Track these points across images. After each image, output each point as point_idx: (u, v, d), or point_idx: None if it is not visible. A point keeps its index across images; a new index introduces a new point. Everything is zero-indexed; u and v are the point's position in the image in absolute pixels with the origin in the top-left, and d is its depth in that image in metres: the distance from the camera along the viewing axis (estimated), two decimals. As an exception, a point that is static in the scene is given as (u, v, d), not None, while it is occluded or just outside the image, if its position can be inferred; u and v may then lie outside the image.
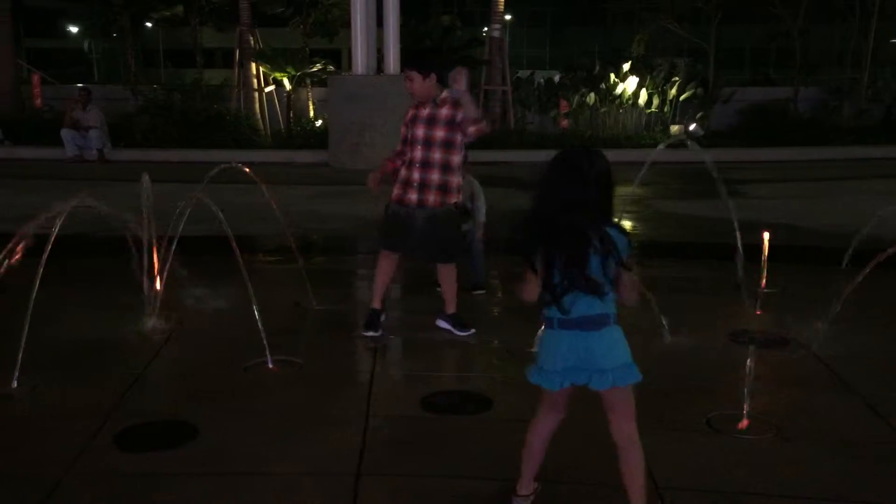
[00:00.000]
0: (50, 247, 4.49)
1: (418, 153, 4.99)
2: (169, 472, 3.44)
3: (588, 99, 17.15)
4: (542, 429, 3.10)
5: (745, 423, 3.85)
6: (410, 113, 5.08)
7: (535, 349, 4.81)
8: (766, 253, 6.13)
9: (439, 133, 4.95)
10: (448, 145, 4.97)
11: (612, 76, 17.24)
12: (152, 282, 5.76)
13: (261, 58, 16.62)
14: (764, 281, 6.05)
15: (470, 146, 5.33)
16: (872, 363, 4.75)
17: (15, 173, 13.06)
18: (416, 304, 5.94)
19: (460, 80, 4.88)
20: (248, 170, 5.78)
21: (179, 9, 18.60)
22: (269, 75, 16.87)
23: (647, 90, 17.18)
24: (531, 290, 2.89)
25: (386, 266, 5.23)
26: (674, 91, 17.35)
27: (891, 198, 10.09)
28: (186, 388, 4.37)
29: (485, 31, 18.46)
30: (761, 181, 12.48)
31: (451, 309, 5.27)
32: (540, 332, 3.07)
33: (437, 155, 4.96)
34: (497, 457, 3.59)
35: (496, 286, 6.59)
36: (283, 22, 18.52)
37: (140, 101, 16.58)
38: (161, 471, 3.45)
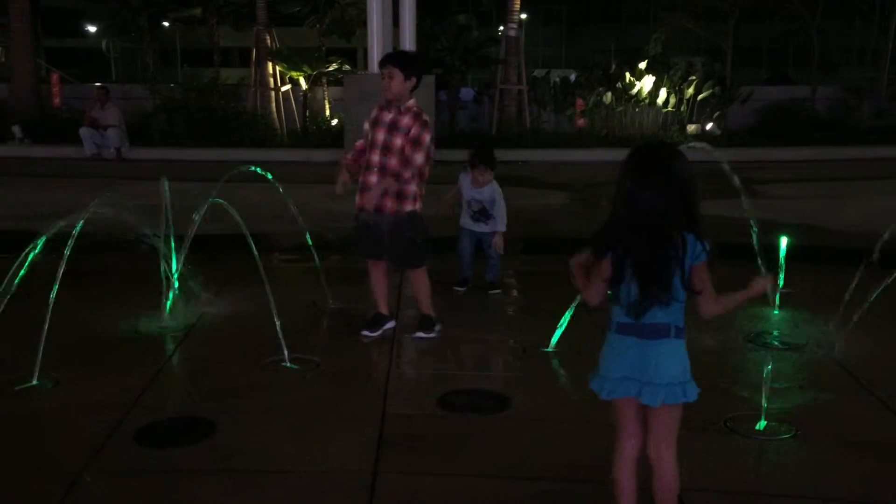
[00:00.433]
0: (71, 244, 4.53)
1: (376, 157, 4.88)
2: (187, 468, 3.46)
3: (604, 98, 17.09)
4: (624, 462, 2.82)
5: (763, 423, 3.83)
6: (374, 113, 4.99)
7: (551, 348, 4.85)
8: (784, 253, 6.09)
9: (398, 140, 4.84)
10: (405, 153, 4.85)
11: (628, 75, 17.18)
12: (171, 280, 5.81)
13: (277, 57, 16.67)
14: (782, 281, 6.01)
15: (484, 145, 5.38)
16: (891, 364, 4.71)
17: (34, 171, 13.18)
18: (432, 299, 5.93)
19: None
20: (268, 174, 5.78)
21: (197, 10, 18.69)
22: (286, 74, 16.93)
23: (664, 89, 17.10)
24: (595, 292, 2.74)
25: (375, 273, 5.19)
26: (691, 90, 17.26)
27: (911, 198, 10.01)
28: (204, 385, 4.40)
29: (500, 31, 18.42)
30: (779, 181, 12.39)
31: (426, 310, 5.17)
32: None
33: (393, 161, 4.83)
34: (514, 456, 3.60)
35: (511, 285, 6.59)
36: (299, 21, 18.59)
37: (157, 100, 16.68)
38: (179, 467, 3.47)
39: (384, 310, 5.21)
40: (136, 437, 3.71)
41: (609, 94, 17.10)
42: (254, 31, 17.07)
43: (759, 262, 5.41)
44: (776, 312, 5.75)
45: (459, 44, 17.15)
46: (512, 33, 17.00)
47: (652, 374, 2.66)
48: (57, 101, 17.38)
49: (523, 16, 18.88)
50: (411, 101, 4.89)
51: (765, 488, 3.35)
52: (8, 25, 17.28)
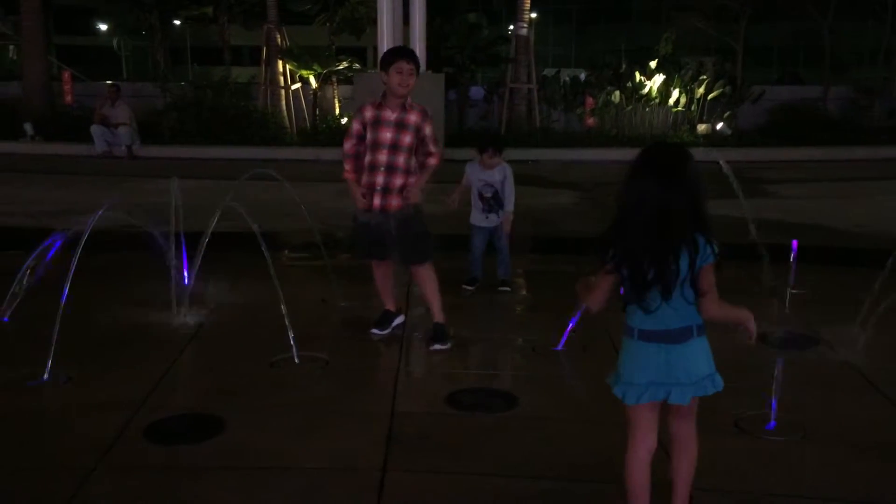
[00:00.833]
0: (83, 242, 4.55)
1: (384, 157, 4.78)
2: (197, 465, 3.48)
3: (614, 97, 17.06)
4: (638, 459, 2.87)
5: (772, 424, 3.82)
6: (371, 113, 4.80)
7: (560, 347, 4.85)
8: (795, 253, 6.07)
9: (407, 138, 4.79)
10: (412, 150, 4.84)
11: (638, 74, 17.14)
12: (181, 277, 5.83)
13: (288, 55, 16.71)
14: (792, 281, 5.99)
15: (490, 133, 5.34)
16: (903, 366, 4.69)
17: (45, 169, 13.24)
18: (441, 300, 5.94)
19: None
20: (278, 176, 5.79)
21: (209, 9, 18.76)
22: (296, 73, 16.96)
23: (674, 89, 17.06)
24: (599, 297, 2.77)
25: (380, 273, 5.17)
26: (701, 90, 17.21)
27: (922, 198, 9.96)
28: (214, 383, 4.41)
29: (510, 29, 18.41)
30: (790, 181, 12.34)
31: (438, 317, 5.06)
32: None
33: (401, 160, 4.80)
34: (522, 454, 3.60)
35: (521, 284, 6.59)
36: (309, 20, 18.63)
37: (168, 98, 16.75)
38: (189, 463, 3.49)
39: (391, 306, 5.22)
40: (146, 433, 3.73)
41: (619, 94, 17.07)
42: (264, 30, 17.12)
43: (766, 260, 5.41)
44: (786, 313, 5.73)
45: (469, 42, 17.16)
46: (522, 32, 16.99)
47: (680, 375, 2.73)
48: (68, 98, 17.46)
49: (533, 15, 18.85)
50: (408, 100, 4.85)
51: (773, 488, 3.34)
52: (20, 23, 17.37)
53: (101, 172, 12.95)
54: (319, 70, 16.61)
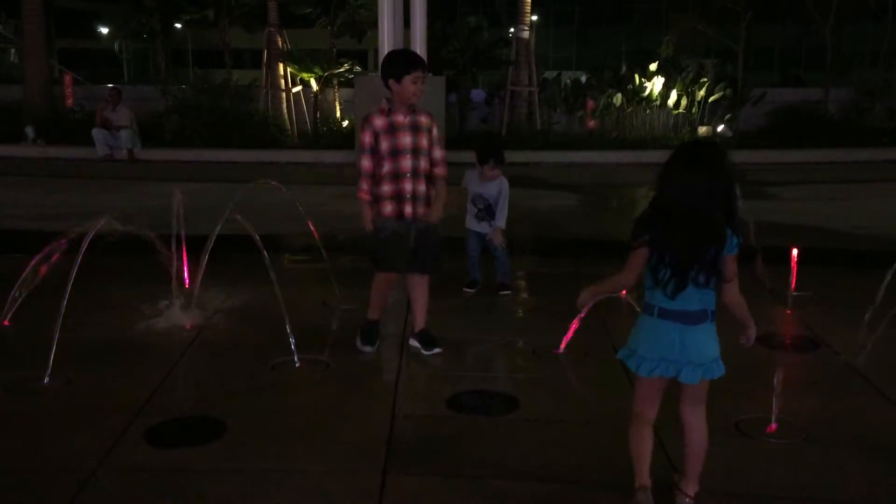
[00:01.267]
0: (83, 246, 4.56)
1: (408, 163, 4.60)
2: (198, 468, 3.48)
3: (615, 100, 17.07)
4: (642, 439, 3.12)
5: (773, 426, 3.82)
6: (382, 121, 4.61)
7: (560, 350, 4.85)
8: (796, 255, 6.07)
9: (424, 141, 4.65)
10: (430, 154, 4.70)
11: (639, 77, 17.15)
12: (182, 280, 5.84)
13: (288, 58, 16.72)
14: (794, 283, 5.99)
15: (491, 142, 5.28)
16: (904, 368, 4.68)
17: (47, 172, 13.26)
18: (441, 304, 5.94)
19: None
20: (281, 187, 5.76)
21: (209, 12, 18.78)
22: (297, 76, 16.97)
23: (675, 91, 17.07)
24: (631, 274, 2.96)
25: (386, 287, 4.96)
26: (702, 92, 17.22)
27: (924, 200, 9.96)
28: (215, 385, 4.41)
29: (511, 32, 18.42)
30: (792, 183, 12.34)
31: (423, 324, 4.99)
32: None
33: (423, 164, 4.65)
34: (523, 457, 3.60)
35: (521, 286, 6.58)
36: (310, 23, 18.64)
37: (169, 101, 16.76)
38: (190, 466, 3.49)
39: (375, 315, 5.00)
40: (147, 436, 3.73)
41: (620, 96, 17.08)
42: (265, 33, 17.13)
43: (760, 263, 5.42)
44: (788, 314, 5.73)
45: (470, 45, 17.16)
46: (523, 35, 17.00)
47: (693, 355, 2.96)
48: (70, 101, 17.48)
49: (534, 17, 18.87)
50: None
51: (775, 491, 3.34)
52: (21, 27, 17.39)
53: (102, 176, 12.97)
54: (320, 73, 16.62)
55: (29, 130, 15.94)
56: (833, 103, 17.62)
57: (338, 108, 17.30)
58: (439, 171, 4.74)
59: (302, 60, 16.61)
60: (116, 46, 34.33)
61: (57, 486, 3.30)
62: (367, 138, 4.62)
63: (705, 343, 2.98)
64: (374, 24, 14.67)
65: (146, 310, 5.47)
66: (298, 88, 17.19)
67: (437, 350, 4.90)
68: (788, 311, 5.79)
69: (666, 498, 3.22)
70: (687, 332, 2.94)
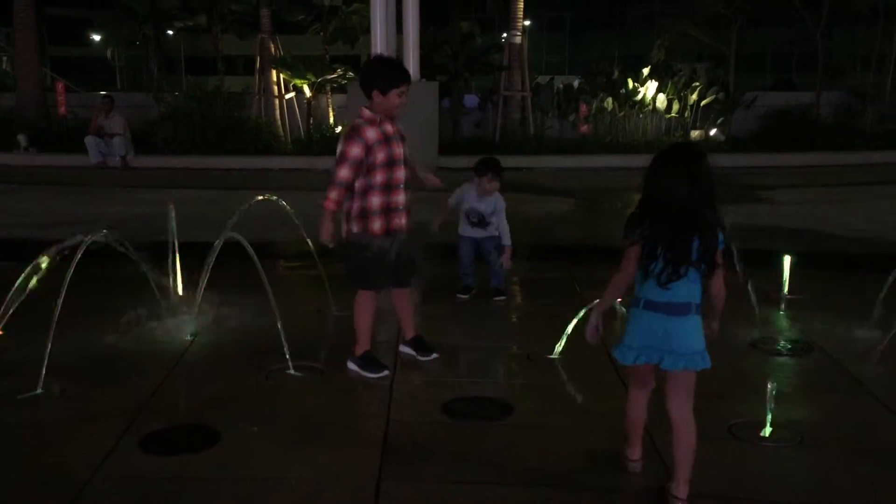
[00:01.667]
0: (77, 254, 4.55)
1: (401, 174, 4.50)
2: (192, 476, 3.47)
3: (607, 104, 17.12)
4: (637, 405, 3.37)
5: (767, 430, 3.82)
6: (375, 132, 4.42)
7: (555, 355, 4.86)
8: (789, 258, 6.09)
9: (406, 150, 4.61)
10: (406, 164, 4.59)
11: (632, 81, 17.21)
12: (176, 288, 5.83)
13: (281, 65, 16.73)
14: (787, 287, 6.01)
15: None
16: (897, 370, 4.70)
17: (40, 180, 13.23)
18: (435, 310, 5.95)
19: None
20: (282, 201, 5.74)
21: (202, 19, 18.78)
22: (290, 82, 16.98)
23: (667, 95, 17.13)
24: (629, 273, 3.13)
25: (372, 307, 4.72)
26: (694, 96, 17.29)
27: (915, 203, 10.00)
28: (209, 393, 4.40)
29: (504, 37, 18.47)
30: (784, 186, 12.39)
31: (414, 331, 4.97)
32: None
33: (408, 174, 4.60)
34: (518, 462, 3.60)
35: (515, 292, 6.59)
36: (303, 29, 18.66)
37: (162, 108, 16.75)
38: (185, 474, 3.48)
39: (369, 345, 4.78)
40: (141, 445, 3.72)
41: (612, 101, 17.13)
42: (258, 39, 17.15)
43: (738, 266, 5.44)
44: (781, 318, 5.75)
45: (463, 51, 17.20)
46: (515, 40, 17.05)
47: (675, 345, 3.09)
48: (62, 109, 17.45)
49: (527, 22, 18.92)
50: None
51: (769, 494, 3.34)
52: (13, 35, 17.37)
53: (95, 183, 12.94)
54: (313, 79, 16.63)
55: (21, 138, 15.92)
56: (825, 107, 17.71)
57: (331, 114, 17.31)
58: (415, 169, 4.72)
59: (295, 66, 16.62)
60: (109, 54, 34.26)
61: (52, 496, 3.29)
62: (355, 150, 4.37)
63: (689, 334, 3.09)
64: (367, 30, 14.72)
65: (140, 318, 5.46)
66: (291, 95, 17.19)
67: (434, 356, 4.90)
68: (782, 314, 5.80)
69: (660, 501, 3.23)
70: (671, 322, 3.08)
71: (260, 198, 5.85)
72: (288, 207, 5.86)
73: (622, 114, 17.25)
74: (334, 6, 17.67)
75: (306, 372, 4.65)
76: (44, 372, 4.30)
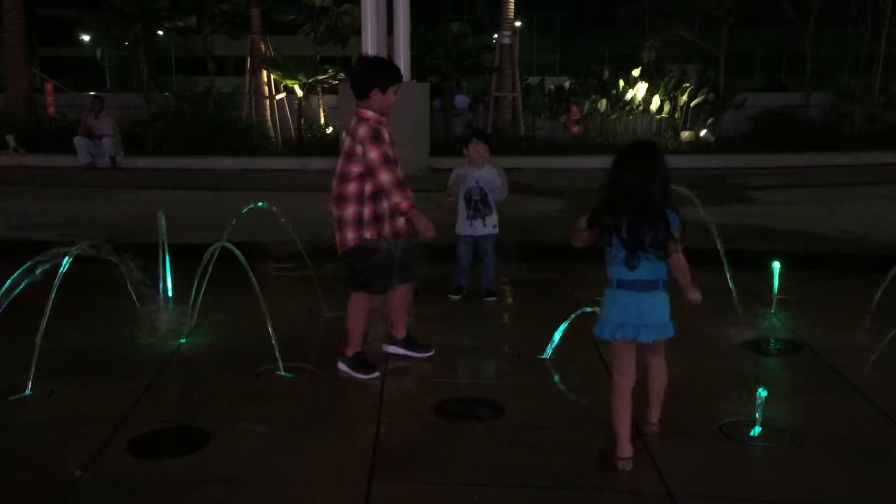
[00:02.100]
0: (66, 257, 4.52)
1: (401, 174, 4.49)
2: (182, 479, 3.45)
3: (598, 105, 17.14)
4: (623, 398, 3.57)
5: (757, 429, 3.83)
6: (387, 133, 4.50)
7: (546, 355, 4.86)
8: (779, 259, 6.11)
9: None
10: None
11: (622, 82, 17.24)
12: (165, 290, 5.80)
13: (272, 65, 16.69)
14: (777, 287, 6.02)
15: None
16: (888, 370, 4.72)
17: (28, 181, 13.15)
18: (426, 311, 5.94)
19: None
20: (274, 208, 5.69)
21: (192, 19, 18.71)
22: (280, 82, 16.93)
23: (657, 96, 17.17)
24: (585, 236, 3.52)
25: (368, 310, 4.72)
26: (685, 97, 17.33)
27: (904, 203, 10.05)
28: (199, 395, 4.39)
29: (495, 38, 18.48)
30: (773, 187, 12.43)
31: (404, 332, 4.98)
32: None
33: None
34: (509, 463, 3.60)
35: (506, 293, 6.59)
36: (293, 29, 18.61)
37: (152, 109, 16.68)
38: (174, 477, 3.46)
39: (360, 346, 4.77)
40: (129, 448, 3.70)
41: (603, 102, 17.15)
42: (248, 40, 17.09)
43: (725, 265, 5.48)
44: (771, 313, 5.77)
45: (454, 51, 17.18)
46: (506, 41, 17.06)
47: (647, 318, 3.46)
48: (51, 110, 17.35)
49: (518, 23, 18.95)
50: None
51: (760, 494, 3.35)
52: (1, 35, 17.27)
53: (84, 184, 12.87)
54: (304, 79, 16.59)
55: (10, 139, 15.82)
56: (814, 108, 17.78)
57: (322, 114, 17.28)
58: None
59: (286, 67, 16.57)
60: (98, 54, 34.10)
61: (39, 498, 3.27)
62: (386, 149, 4.38)
63: (657, 307, 3.49)
64: (358, 30, 14.68)
65: (128, 319, 5.43)
66: (282, 95, 17.15)
67: (431, 352, 4.91)
68: (771, 314, 5.82)
69: None
70: (642, 297, 3.45)
71: (252, 206, 5.81)
72: (275, 209, 5.82)
73: (613, 115, 17.28)
74: (325, 6, 17.63)
75: (297, 373, 4.63)
76: (32, 374, 4.28)
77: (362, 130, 4.39)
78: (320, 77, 16.76)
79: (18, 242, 8.11)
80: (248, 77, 17.01)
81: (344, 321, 4.73)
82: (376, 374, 4.63)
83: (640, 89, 17.09)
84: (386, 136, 4.46)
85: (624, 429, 3.54)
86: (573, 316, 4.89)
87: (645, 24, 23.87)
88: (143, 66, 19.34)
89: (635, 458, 3.53)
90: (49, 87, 18.22)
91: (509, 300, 6.47)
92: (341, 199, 4.46)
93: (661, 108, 17.32)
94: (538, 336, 5.04)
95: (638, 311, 3.44)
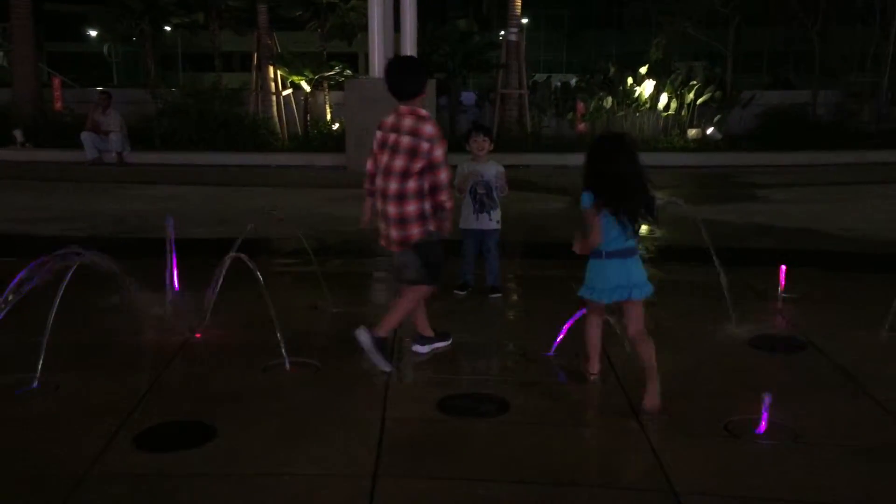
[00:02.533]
0: (73, 251, 4.54)
1: None
2: (188, 473, 3.47)
3: (605, 102, 17.11)
4: (595, 328, 4.41)
5: (763, 428, 3.83)
6: None
7: (550, 353, 4.87)
8: (785, 257, 6.10)
9: None
10: None
11: (629, 79, 17.21)
12: (171, 284, 5.82)
13: (279, 61, 16.71)
14: (783, 285, 6.02)
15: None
16: (891, 368, 4.71)
17: (35, 176, 13.21)
18: (432, 307, 5.94)
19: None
20: (280, 217, 5.70)
21: (200, 15, 18.74)
22: (287, 79, 16.95)
23: (664, 94, 17.14)
24: (597, 233, 4.04)
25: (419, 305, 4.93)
26: (691, 95, 17.29)
27: (911, 202, 10.02)
28: (205, 389, 4.40)
29: (501, 35, 18.46)
30: (780, 185, 12.41)
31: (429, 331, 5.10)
32: None
33: None
34: (513, 459, 3.60)
35: (512, 289, 6.60)
36: (300, 26, 18.62)
37: (159, 105, 16.72)
38: (180, 471, 3.48)
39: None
40: (136, 441, 3.72)
41: (610, 99, 17.13)
42: (255, 36, 17.11)
43: (716, 262, 5.48)
44: (777, 317, 5.76)
45: (460, 48, 17.18)
46: (513, 38, 17.04)
47: (634, 279, 4.11)
48: (59, 105, 17.41)
49: (524, 20, 18.92)
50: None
51: (764, 492, 3.35)
52: (9, 30, 17.32)
53: (91, 179, 12.93)
54: (311, 76, 16.61)
55: (17, 134, 15.89)
56: (821, 106, 17.73)
57: (328, 111, 17.29)
58: None
59: (292, 63, 16.59)
60: (106, 50, 34.14)
61: (46, 491, 3.29)
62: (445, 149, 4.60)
63: (639, 270, 4.14)
64: (364, 27, 14.70)
65: (135, 314, 5.45)
66: (289, 91, 17.17)
67: (428, 349, 4.97)
68: (777, 312, 5.81)
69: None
70: (627, 263, 4.10)
71: (266, 213, 5.82)
72: (284, 219, 5.83)
73: (620, 112, 17.25)
74: (332, 3, 17.63)
75: (302, 368, 4.65)
76: (40, 367, 4.30)
77: (430, 128, 4.51)
78: (327, 73, 16.77)
79: (25, 237, 8.15)
80: (254, 73, 17.03)
81: (349, 317, 4.73)
82: (391, 368, 4.65)
83: (647, 87, 17.06)
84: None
85: (594, 351, 4.40)
86: (579, 314, 4.89)
87: (652, 22, 23.77)
88: (150, 61, 19.38)
89: (638, 456, 3.52)
90: (56, 82, 18.28)
91: (514, 297, 6.47)
92: (402, 197, 4.54)
93: (667, 106, 17.29)
94: (543, 333, 5.05)
95: (627, 273, 4.08)
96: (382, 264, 6.83)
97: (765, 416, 3.84)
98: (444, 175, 4.57)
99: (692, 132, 17.19)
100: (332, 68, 16.84)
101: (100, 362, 4.75)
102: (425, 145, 4.49)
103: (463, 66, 17.31)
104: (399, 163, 4.52)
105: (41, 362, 4.30)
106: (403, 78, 4.68)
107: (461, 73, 17.50)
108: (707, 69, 18.71)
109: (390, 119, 4.62)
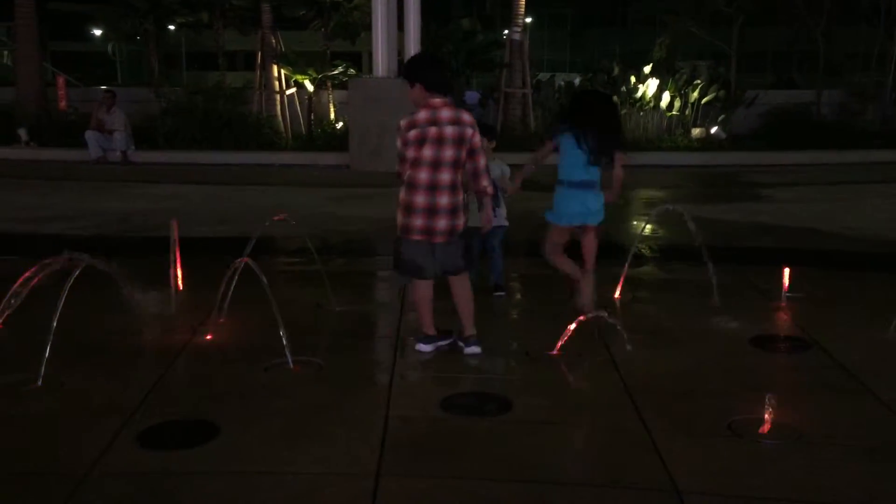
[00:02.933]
0: (77, 250, 4.55)
1: None
2: (191, 471, 3.47)
3: (610, 101, 17.08)
4: (560, 250, 5.46)
5: (766, 427, 3.83)
6: None
7: (554, 352, 4.87)
8: (789, 256, 6.09)
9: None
10: None
11: (633, 79, 17.19)
12: (175, 283, 5.83)
13: (282, 60, 16.72)
14: (786, 285, 6.01)
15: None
16: (894, 366, 4.70)
17: (40, 174, 13.23)
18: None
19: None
20: (285, 216, 5.73)
21: (204, 15, 18.76)
22: (291, 78, 16.96)
23: (668, 93, 17.12)
24: (539, 157, 5.41)
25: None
26: (695, 94, 17.26)
27: (916, 202, 9.99)
28: (208, 388, 4.41)
29: (505, 34, 18.44)
30: (784, 184, 12.39)
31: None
32: None
33: None
34: (516, 459, 3.60)
35: (515, 288, 6.59)
36: (304, 25, 18.63)
37: (163, 104, 16.73)
38: (183, 469, 3.49)
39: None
40: (140, 439, 3.73)
41: (616, 98, 17.11)
42: (259, 35, 17.12)
43: (707, 261, 5.50)
44: (780, 316, 5.75)
45: (464, 47, 17.18)
46: (516, 37, 17.03)
47: (591, 207, 5.19)
48: (63, 104, 17.43)
49: (528, 19, 18.91)
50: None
51: (767, 492, 3.35)
52: (14, 29, 17.35)
53: (95, 178, 12.94)
54: (314, 75, 16.61)
55: (22, 132, 15.91)
56: (825, 105, 17.69)
57: (332, 110, 17.29)
58: None
59: (296, 62, 16.60)
60: (110, 49, 34.21)
61: (50, 489, 3.30)
62: None
63: (597, 200, 5.17)
64: (368, 26, 14.69)
65: (139, 312, 5.46)
66: (292, 90, 17.18)
67: (428, 347, 5.01)
68: (781, 312, 5.81)
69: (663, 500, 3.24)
70: (587, 194, 5.14)
71: (271, 221, 5.82)
72: (294, 222, 5.84)
73: (623, 112, 17.23)
74: (336, 2, 17.64)
75: (306, 367, 4.65)
76: (44, 366, 4.31)
77: (468, 115, 4.74)
78: (330, 73, 16.78)
79: (29, 235, 8.17)
80: (258, 72, 17.04)
81: (351, 316, 4.73)
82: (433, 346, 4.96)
83: (651, 86, 17.05)
84: None
85: (572, 269, 5.44)
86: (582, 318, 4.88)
87: (656, 21, 23.73)
88: (154, 60, 19.40)
89: (640, 455, 3.53)
90: (60, 81, 18.30)
91: (518, 296, 6.47)
92: (455, 186, 4.69)
93: (671, 105, 17.27)
94: (546, 332, 5.04)
95: (584, 202, 5.13)
96: (385, 264, 6.83)
97: (768, 415, 3.84)
98: (484, 161, 4.77)
99: (696, 131, 17.17)
100: (335, 67, 16.84)
101: (104, 361, 4.76)
102: (469, 131, 4.64)
103: (466, 65, 17.30)
104: (449, 153, 4.61)
105: (45, 360, 4.31)
106: (443, 72, 4.86)
107: (465, 72, 17.49)
108: (711, 68, 18.68)
109: (422, 115, 4.65)
